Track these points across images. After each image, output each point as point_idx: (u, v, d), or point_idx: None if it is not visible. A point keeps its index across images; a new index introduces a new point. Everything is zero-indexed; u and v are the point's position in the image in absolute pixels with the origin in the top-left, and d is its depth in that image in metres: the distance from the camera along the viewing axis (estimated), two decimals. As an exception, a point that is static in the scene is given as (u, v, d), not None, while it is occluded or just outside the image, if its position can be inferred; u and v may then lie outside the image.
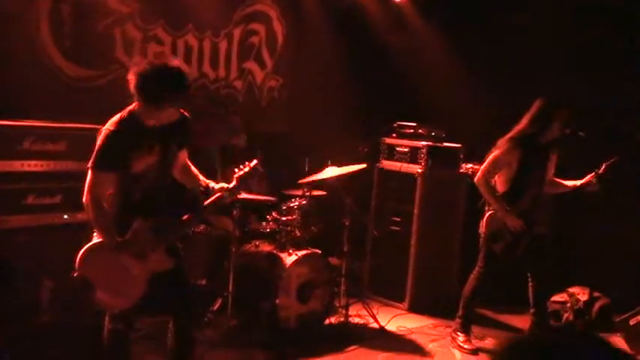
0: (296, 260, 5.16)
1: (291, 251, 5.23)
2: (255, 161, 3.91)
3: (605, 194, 5.33)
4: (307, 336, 5.20)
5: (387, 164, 6.50)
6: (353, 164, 5.68)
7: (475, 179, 5.24)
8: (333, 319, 5.60)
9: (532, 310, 5.56)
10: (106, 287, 3.51)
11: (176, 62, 3.59)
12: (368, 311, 5.80)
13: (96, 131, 3.66)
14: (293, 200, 5.59)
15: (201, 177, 3.96)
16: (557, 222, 6.47)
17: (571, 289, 6.19)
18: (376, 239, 6.46)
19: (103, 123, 3.61)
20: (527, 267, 5.47)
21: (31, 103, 4.93)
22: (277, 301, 5.04)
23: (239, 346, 5.00)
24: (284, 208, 5.51)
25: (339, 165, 5.56)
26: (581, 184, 5.29)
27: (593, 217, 6.24)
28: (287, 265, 5.12)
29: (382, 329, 5.67)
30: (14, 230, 4.15)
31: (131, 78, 3.48)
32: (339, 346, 5.19)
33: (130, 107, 3.61)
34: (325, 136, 6.77)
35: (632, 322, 5.51)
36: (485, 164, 5.18)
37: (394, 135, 6.56)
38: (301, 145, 6.44)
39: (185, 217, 3.77)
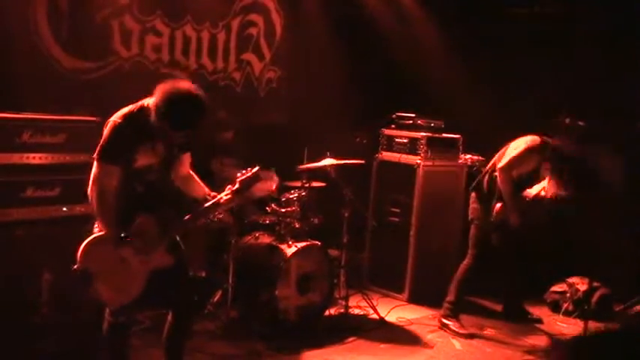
0: (296, 252, 5.16)
1: (290, 243, 5.23)
2: (257, 167, 3.89)
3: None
4: (307, 327, 5.21)
5: (387, 155, 6.49)
6: (351, 157, 5.69)
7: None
8: (332, 311, 5.61)
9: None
10: (107, 281, 3.49)
11: (195, 90, 3.55)
12: (368, 302, 5.81)
13: (95, 124, 3.65)
14: (292, 192, 5.58)
15: (205, 187, 3.93)
16: (557, 214, 6.50)
17: (570, 279, 6.21)
18: (375, 230, 6.46)
19: (102, 115, 3.59)
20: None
21: (29, 95, 4.90)
22: (277, 293, 5.04)
23: (239, 337, 5.01)
24: (283, 199, 5.51)
25: (337, 158, 5.57)
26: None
27: (593, 207, 6.24)
28: (287, 257, 5.12)
29: (382, 320, 5.68)
30: (13, 223, 4.13)
31: (154, 106, 3.46)
32: (339, 338, 5.20)
33: (143, 103, 3.58)
34: (324, 127, 6.76)
35: (631, 312, 5.53)
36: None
37: (393, 126, 6.55)
38: (300, 136, 6.42)
39: (187, 216, 3.75)
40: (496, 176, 5.34)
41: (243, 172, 3.85)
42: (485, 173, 5.52)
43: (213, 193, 3.85)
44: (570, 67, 6.35)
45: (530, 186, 5.45)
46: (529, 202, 5.42)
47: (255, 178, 3.84)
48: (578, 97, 5.92)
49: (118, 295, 3.55)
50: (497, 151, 5.52)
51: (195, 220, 3.78)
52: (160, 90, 3.47)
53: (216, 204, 3.76)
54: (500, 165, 5.33)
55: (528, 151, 5.28)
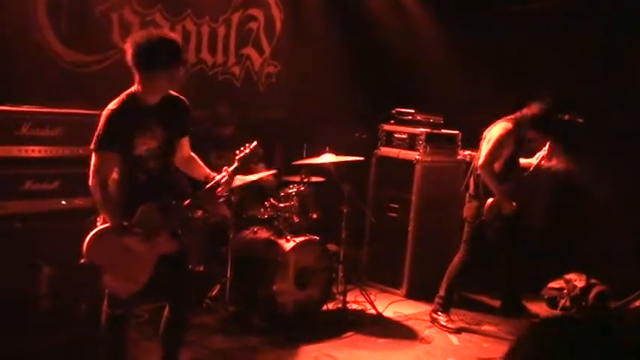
0: (294, 246, 5.17)
1: (289, 237, 5.23)
2: (255, 142, 3.88)
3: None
4: (305, 322, 5.22)
5: (386, 151, 6.49)
6: (350, 152, 5.69)
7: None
8: (330, 306, 5.62)
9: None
10: (115, 272, 3.51)
11: (173, 35, 3.68)
12: (365, 297, 5.81)
13: (94, 117, 3.65)
14: (291, 186, 5.59)
15: (206, 168, 3.95)
16: (554, 210, 6.50)
17: (567, 276, 6.22)
18: (374, 226, 6.46)
19: (101, 108, 3.60)
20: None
21: (28, 88, 4.91)
22: (275, 288, 5.05)
23: (237, 332, 5.02)
24: (282, 194, 5.51)
25: (337, 153, 5.57)
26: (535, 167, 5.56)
27: (590, 205, 6.24)
28: (285, 252, 5.13)
29: (380, 315, 5.68)
30: (11, 216, 4.13)
31: (128, 48, 3.51)
32: (337, 332, 5.21)
33: (130, 90, 3.62)
34: (323, 122, 6.75)
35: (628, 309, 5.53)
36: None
37: (393, 121, 6.54)
38: (299, 131, 6.42)
39: (187, 200, 3.76)
40: (479, 175, 5.35)
41: (242, 149, 3.85)
42: (471, 173, 5.53)
43: (213, 174, 3.86)
44: (569, 62, 6.33)
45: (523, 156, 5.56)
46: (531, 173, 5.49)
47: (253, 154, 3.84)
48: (576, 93, 5.90)
49: (125, 284, 3.57)
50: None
51: (196, 203, 3.80)
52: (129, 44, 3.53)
53: (216, 185, 3.77)
54: (479, 163, 5.32)
55: (503, 138, 5.26)
